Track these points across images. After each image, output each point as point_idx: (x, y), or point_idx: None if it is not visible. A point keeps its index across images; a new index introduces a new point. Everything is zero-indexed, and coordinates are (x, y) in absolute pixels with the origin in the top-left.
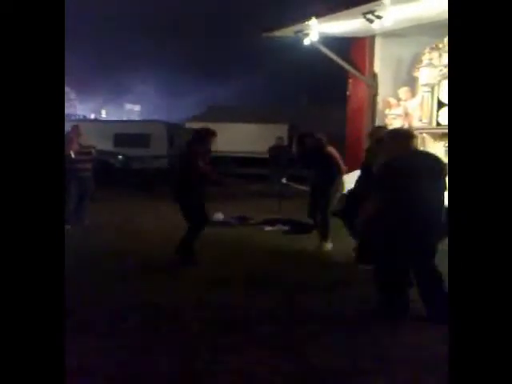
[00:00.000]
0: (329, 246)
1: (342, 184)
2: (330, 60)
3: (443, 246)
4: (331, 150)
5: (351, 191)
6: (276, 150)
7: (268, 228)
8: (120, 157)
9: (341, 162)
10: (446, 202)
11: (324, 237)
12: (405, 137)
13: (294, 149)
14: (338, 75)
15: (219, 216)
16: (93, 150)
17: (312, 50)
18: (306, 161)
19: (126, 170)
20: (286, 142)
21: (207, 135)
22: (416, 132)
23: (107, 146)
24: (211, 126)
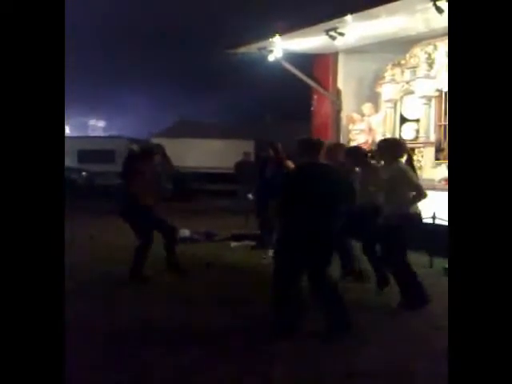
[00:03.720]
0: (270, 254)
1: None
2: (294, 76)
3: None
4: (289, 163)
5: None
6: (242, 166)
7: (234, 244)
8: (83, 173)
9: None
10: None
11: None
12: (312, 147)
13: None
14: (303, 91)
15: (185, 232)
16: None
17: (276, 67)
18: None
19: (89, 186)
20: (252, 158)
21: (150, 153)
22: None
23: (71, 162)
24: (177, 141)
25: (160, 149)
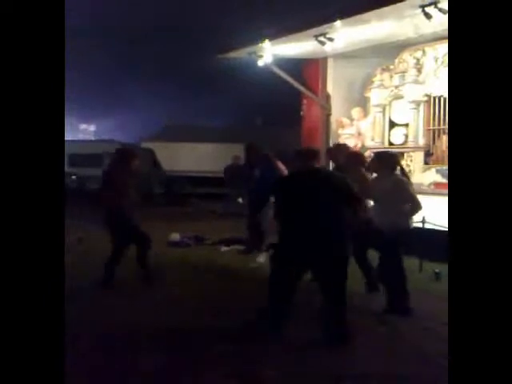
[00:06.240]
0: (261, 259)
1: None
2: (284, 81)
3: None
4: (280, 164)
5: None
6: (232, 170)
7: (224, 248)
8: (73, 177)
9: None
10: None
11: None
12: (306, 154)
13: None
14: (293, 96)
15: (175, 236)
16: None
17: (266, 71)
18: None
19: (80, 189)
20: (242, 162)
21: (128, 157)
22: (368, 151)
23: None
24: (167, 145)
25: (151, 153)
